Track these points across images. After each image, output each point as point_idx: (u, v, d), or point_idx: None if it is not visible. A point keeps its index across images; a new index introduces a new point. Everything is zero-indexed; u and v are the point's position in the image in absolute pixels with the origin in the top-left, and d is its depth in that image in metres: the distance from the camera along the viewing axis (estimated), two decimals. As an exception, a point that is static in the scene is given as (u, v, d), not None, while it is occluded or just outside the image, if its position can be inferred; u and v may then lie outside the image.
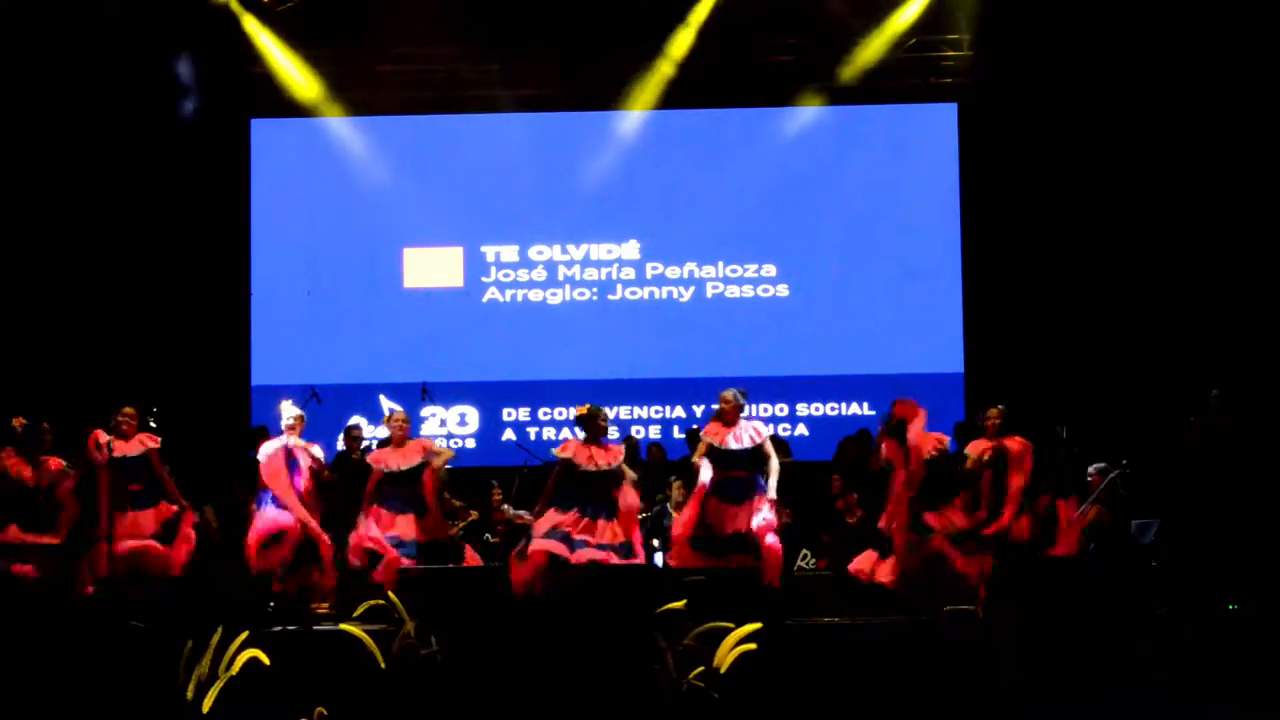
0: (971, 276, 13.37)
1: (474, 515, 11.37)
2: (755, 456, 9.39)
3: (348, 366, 13.31)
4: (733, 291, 13.63)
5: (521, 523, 10.21)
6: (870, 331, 13.44)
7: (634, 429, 13.21)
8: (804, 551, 10.95)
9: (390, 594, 8.05)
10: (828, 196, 13.58)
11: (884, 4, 13.13)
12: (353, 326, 13.52)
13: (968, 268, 13.39)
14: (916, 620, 8.74)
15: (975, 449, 9.85)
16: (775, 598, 8.88)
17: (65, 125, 12.90)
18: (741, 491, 9.31)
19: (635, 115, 13.54)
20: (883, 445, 9.46)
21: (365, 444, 11.56)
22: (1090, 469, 10.53)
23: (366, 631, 7.53)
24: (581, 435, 9.50)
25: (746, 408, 9.63)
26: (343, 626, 7.67)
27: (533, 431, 13.48)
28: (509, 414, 13.53)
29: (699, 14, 13.14)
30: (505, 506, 11.19)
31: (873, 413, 13.05)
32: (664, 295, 13.64)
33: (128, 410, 9.65)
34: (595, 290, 13.63)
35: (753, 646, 7.17)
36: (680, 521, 9.47)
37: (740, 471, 9.35)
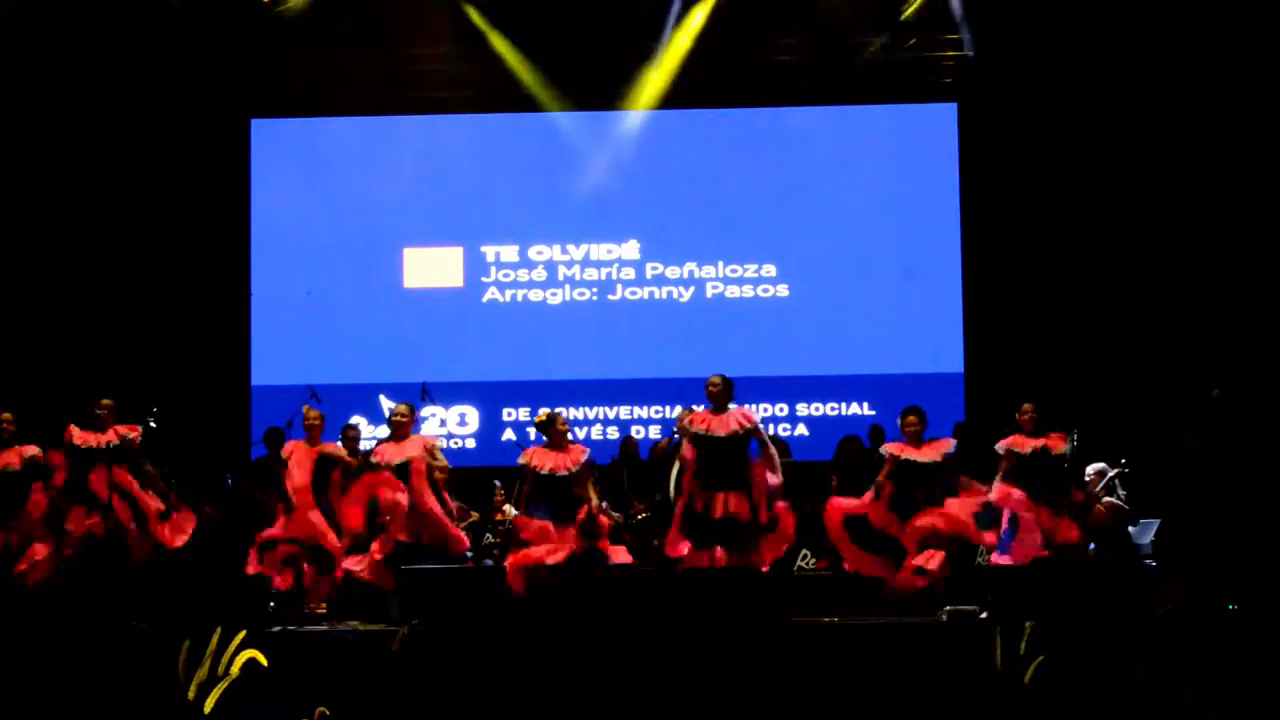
0: (971, 276, 13.38)
1: (474, 516, 11.38)
2: (740, 443, 9.38)
3: (348, 366, 13.31)
4: (733, 291, 13.63)
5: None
6: (870, 331, 13.44)
7: (634, 429, 13.21)
8: (804, 551, 10.94)
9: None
10: (828, 196, 13.59)
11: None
12: (353, 326, 13.52)
13: (968, 268, 13.39)
14: (916, 620, 8.74)
15: (1020, 445, 9.63)
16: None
17: (65, 125, 12.91)
18: (728, 476, 9.28)
19: (635, 115, 13.56)
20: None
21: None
22: (1089, 469, 10.53)
23: (366, 630, 7.54)
24: (544, 440, 9.58)
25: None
26: (343, 625, 7.67)
27: (532, 432, 13.45)
28: (509, 414, 13.53)
29: (699, 13, 13.16)
30: (506, 506, 11.20)
31: (873, 413, 13.06)
32: (664, 295, 13.64)
33: (105, 401, 9.67)
34: (595, 290, 13.64)
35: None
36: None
37: (726, 459, 9.33)
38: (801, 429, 13.41)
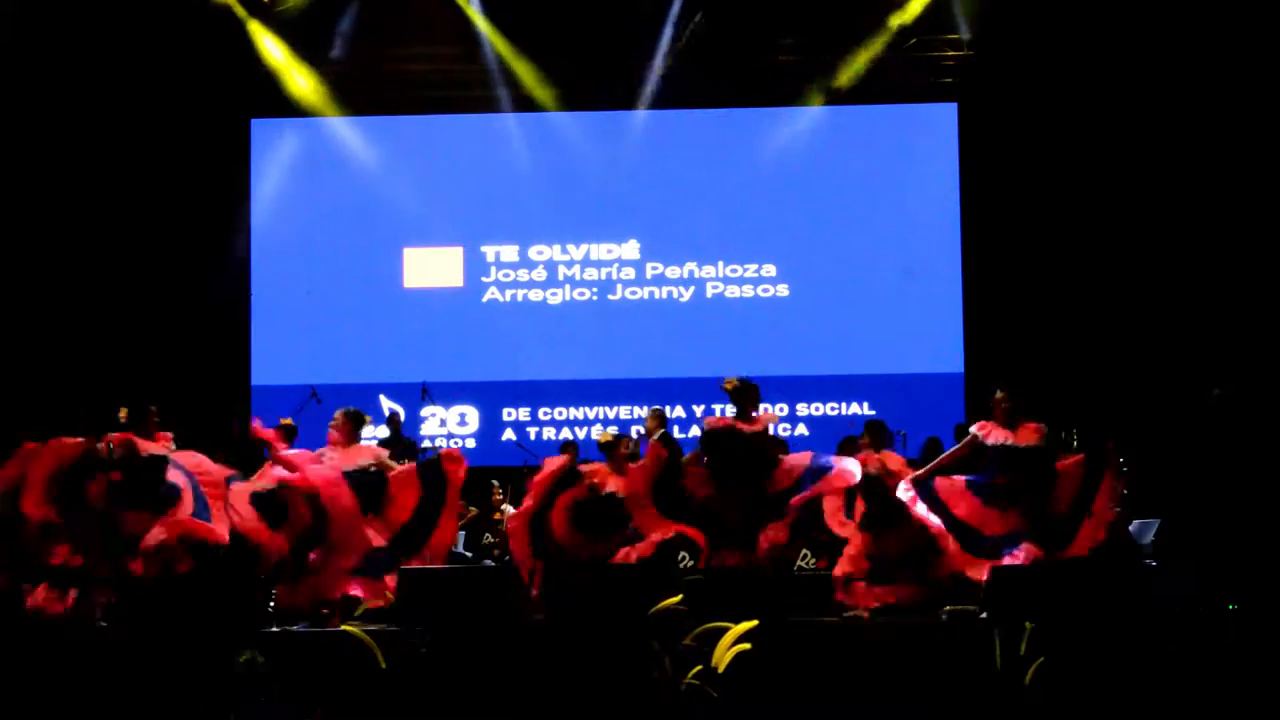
0: (971, 276, 13.38)
1: (473, 512, 11.38)
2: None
3: (348, 366, 13.31)
4: (733, 291, 13.63)
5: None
6: (870, 331, 13.45)
7: (634, 429, 13.20)
8: (804, 551, 10.93)
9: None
10: (828, 196, 13.59)
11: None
12: (353, 326, 13.53)
13: (968, 268, 13.40)
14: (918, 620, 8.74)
15: (987, 433, 9.43)
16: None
17: (66, 125, 12.91)
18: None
19: (635, 115, 13.55)
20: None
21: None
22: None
23: (367, 633, 7.53)
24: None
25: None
26: (344, 628, 7.66)
27: (533, 431, 13.48)
28: (509, 414, 13.53)
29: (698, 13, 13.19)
30: (505, 506, 11.20)
31: (873, 413, 13.05)
32: (664, 295, 13.64)
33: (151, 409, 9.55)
34: (595, 290, 13.64)
35: (748, 646, 7.16)
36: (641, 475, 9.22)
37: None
38: (801, 429, 13.41)
